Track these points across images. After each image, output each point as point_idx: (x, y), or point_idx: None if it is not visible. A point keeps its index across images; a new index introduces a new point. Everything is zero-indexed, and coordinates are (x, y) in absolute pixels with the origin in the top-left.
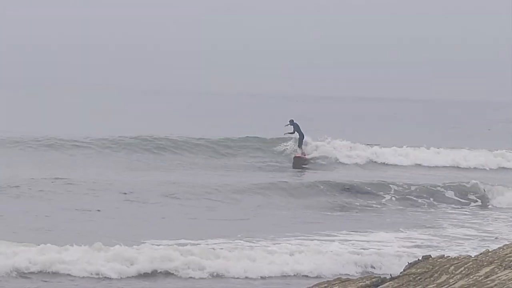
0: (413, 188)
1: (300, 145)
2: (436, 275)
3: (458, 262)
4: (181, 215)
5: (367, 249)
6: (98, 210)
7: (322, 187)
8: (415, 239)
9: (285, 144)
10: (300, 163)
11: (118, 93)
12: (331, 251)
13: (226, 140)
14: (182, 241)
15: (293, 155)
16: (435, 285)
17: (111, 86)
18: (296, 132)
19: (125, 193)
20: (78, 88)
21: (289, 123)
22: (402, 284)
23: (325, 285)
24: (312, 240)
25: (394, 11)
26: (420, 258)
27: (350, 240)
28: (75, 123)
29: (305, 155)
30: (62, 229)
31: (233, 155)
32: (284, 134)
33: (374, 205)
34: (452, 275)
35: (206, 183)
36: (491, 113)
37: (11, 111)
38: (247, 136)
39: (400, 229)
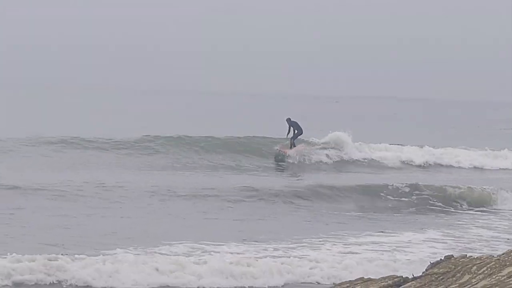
0: (435, 189)
1: (293, 139)
2: (458, 275)
3: (481, 262)
4: (201, 216)
5: (396, 250)
6: (120, 207)
7: (340, 188)
8: (441, 239)
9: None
10: (280, 156)
11: (118, 93)
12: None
13: (243, 139)
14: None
15: (278, 149)
16: (457, 285)
17: (111, 86)
18: (295, 130)
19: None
20: (78, 88)
21: (286, 122)
22: (425, 284)
23: (347, 284)
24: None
25: (394, 11)
26: (442, 258)
27: (378, 242)
28: (80, 123)
29: (290, 149)
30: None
31: (249, 155)
32: (293, 140)
33: (394, 206)
34: (475, 275)
35: (223, 184)
36: (492, 113)
37: (16, 111)
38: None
39: (425, 229)
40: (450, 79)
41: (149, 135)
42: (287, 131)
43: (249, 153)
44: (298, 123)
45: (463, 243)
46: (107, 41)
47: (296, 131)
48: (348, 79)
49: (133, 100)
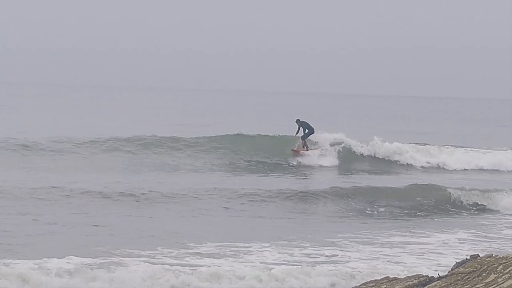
0: (468, 191)
1: (303, 138)
2: (484, 274)
3: (507, 262)
4: (230, 216)
5: (426, 251)
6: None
7: (365, 188)
8: (472, 240)
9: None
10: (296, 155)
11: (121, 92)
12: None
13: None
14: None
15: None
16: (483, 284)
17: (111, 85)
18: (306, 129)
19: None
20: (78, 87)
21: (295, 123)
22: (450, 284)
23: (373, 284)
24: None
25: (395, 13)
26: (468, 257)
27: (407, 243)
28: (92, 123)
29: (305, 149)
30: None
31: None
32: (304, 140)
33: (423, 208)
34: (501, 275)
35: (249, 183)
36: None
37: (38, 112)
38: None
39: (455, 230)
40: (450, 78)
41: (174, 136)
42: (296, 131)
43: (271, 152)
44: (308, 122)
45: (495, 243)
46: (111, 44)
47: (307, 131)
48: (349, 79)
49: (137, 98)
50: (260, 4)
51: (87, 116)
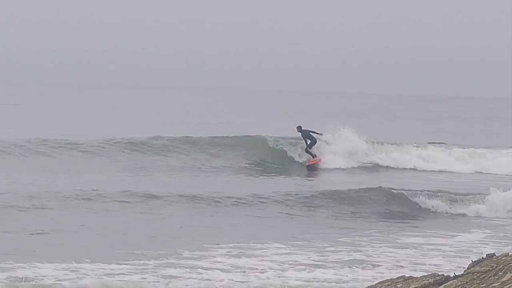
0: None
1: (308, 150)
2: (500, 273)
3: None
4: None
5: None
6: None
7: (378, 192)
8: (488, 241)
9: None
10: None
11: (130, 92)
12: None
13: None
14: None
15: (307, 163)
16: (499, 283)
17: (111, 85)
18: (308, 139)
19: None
20: (81, 87)
21: (297, 130)
22: (466, 283)
23: (389, 283)
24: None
25: (395, 13)
26: (484, 256)
27: (424, 243)
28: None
29: (317, 159)
30: None
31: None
32: (310, 150)
33: (430, 210)
34: None
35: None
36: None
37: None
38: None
39: (472, 231)
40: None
41: (189, 136)
42: (304, 142)
43: (282, 153)
44: (309, 130)
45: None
46: (111, 44)
47: (309, 141)
48: (353, 79)
49: (139, 98)
50: (260, 4)
51: (88, 116)
